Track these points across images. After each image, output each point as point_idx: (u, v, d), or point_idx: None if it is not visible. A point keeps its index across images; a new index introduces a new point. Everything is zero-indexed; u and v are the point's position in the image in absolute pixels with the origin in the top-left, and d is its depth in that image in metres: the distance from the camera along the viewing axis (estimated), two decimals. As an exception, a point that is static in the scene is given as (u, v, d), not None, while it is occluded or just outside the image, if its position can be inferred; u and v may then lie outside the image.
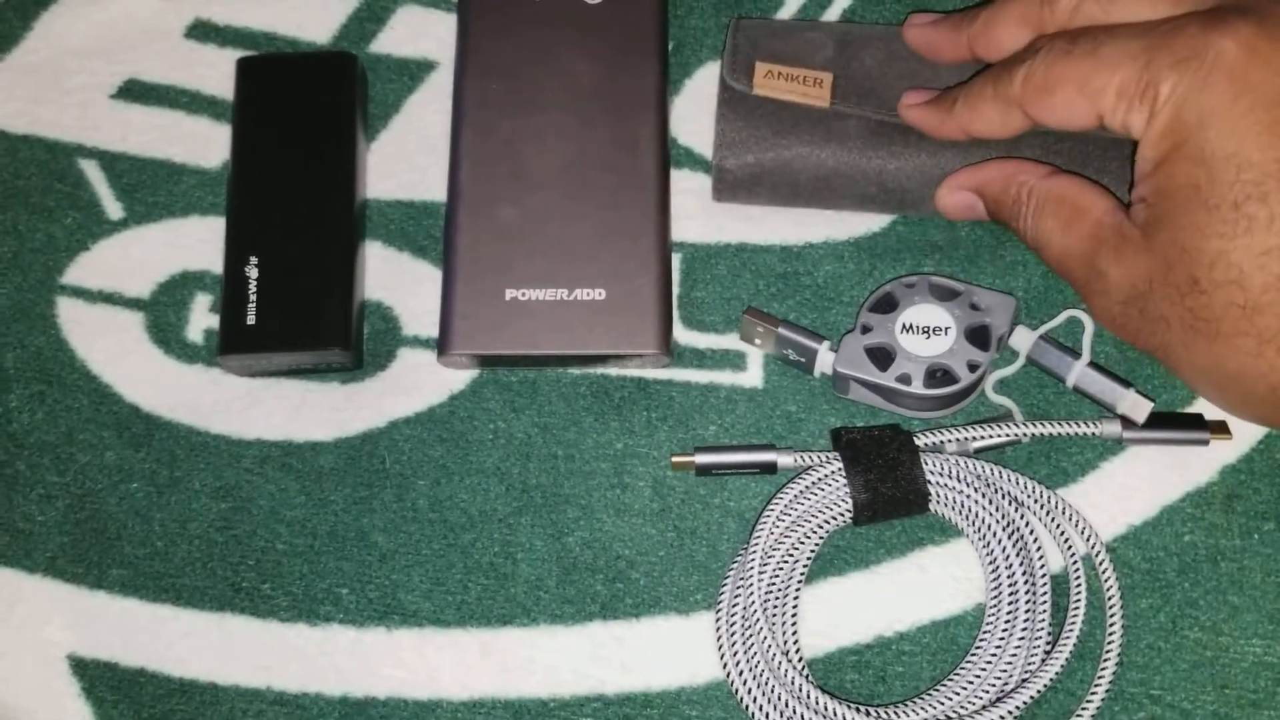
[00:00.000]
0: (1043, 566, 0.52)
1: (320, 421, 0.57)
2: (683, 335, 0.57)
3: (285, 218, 0.57)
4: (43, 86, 0.62)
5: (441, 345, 0.56)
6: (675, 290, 0.58)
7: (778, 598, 0.52)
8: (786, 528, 0.53)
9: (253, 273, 0.56)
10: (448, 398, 0.57)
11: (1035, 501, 0.53)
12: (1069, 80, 0.49)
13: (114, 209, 0.60)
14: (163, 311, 0.59)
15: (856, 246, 0.58)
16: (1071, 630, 0.51)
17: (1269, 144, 0.45)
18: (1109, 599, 0.52)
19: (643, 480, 0.56)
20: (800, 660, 0.52)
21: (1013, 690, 0.50)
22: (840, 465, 0.53)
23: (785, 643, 0.52)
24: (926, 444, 0.53)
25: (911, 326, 0.54)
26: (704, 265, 0.58)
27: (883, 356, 0.54)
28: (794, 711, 0.50)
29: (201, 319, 0.59)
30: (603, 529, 0.55)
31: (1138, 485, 0.54)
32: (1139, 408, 0.53)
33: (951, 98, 0.54)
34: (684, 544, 0.55)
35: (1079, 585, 0.52)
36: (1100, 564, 0.52)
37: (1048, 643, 0.51)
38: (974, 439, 0.54)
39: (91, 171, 0.61)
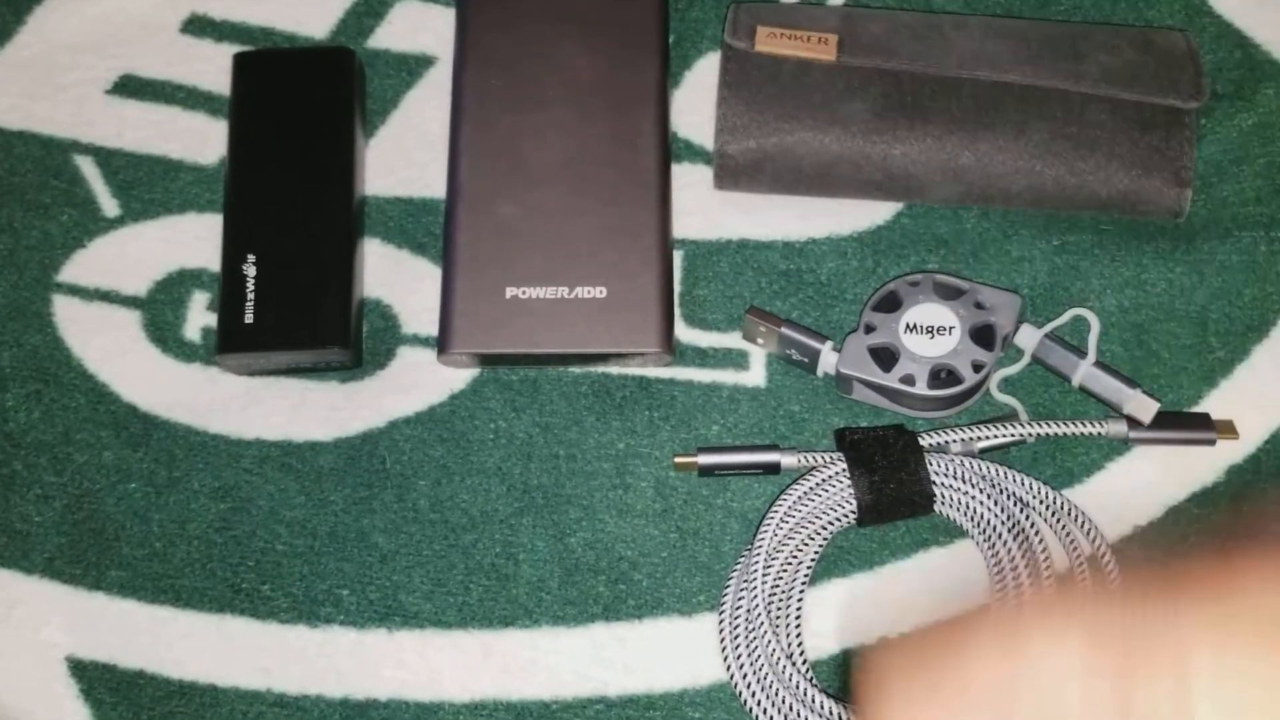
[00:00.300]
0: (1048, 567, 0.52)
1: (319, 421, 0.56)
2: (685, 333, 0.57)
3: (283, 215, 0.57)
4: (37, 82, 0.62)
5: (441, 344, 0.55)
6: (677, 288, 0.57)
7: (781, 599, 0.52)
8: (790, 529, 0.52)
9: (250, 271, 0.56)
10: (448, 397, 0.57)
11: (1040, 502, 0.53)
12: None
13: (110, 206, 0.60)
14: (160, 310, 0.58)
15: (860, 242, 0.58)
16: (1077, 632, 0.50)
17: None
18: (1115, 600, 0.51)
19: (645, 480, 0.55)
20: (805, 663, 0.52)
21: (1018, 692, 0.50)
22: (844, 466, 0.52)
23: (789, 645, 0.52)
24: (931, 444, 0.53)
25: (915, 326, 0.54)
26: (706, 262, 0.58)
27: (886, 357, 0.54)
28: (798, 715, 0.50)
29: (199, 317, 0.58)
30: (605, 530, 0.55)
31: (1143, 486, 0.54)
32: (1145, 407, 0.53)
33: None
34: (687, 545, 0.54)
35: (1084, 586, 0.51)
36: (1106, 564, 0.52)
37: (1053, 644, 0.51)
38: (979, 439, 0.53)
39: (87, 168, 0.60)
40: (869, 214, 0.58)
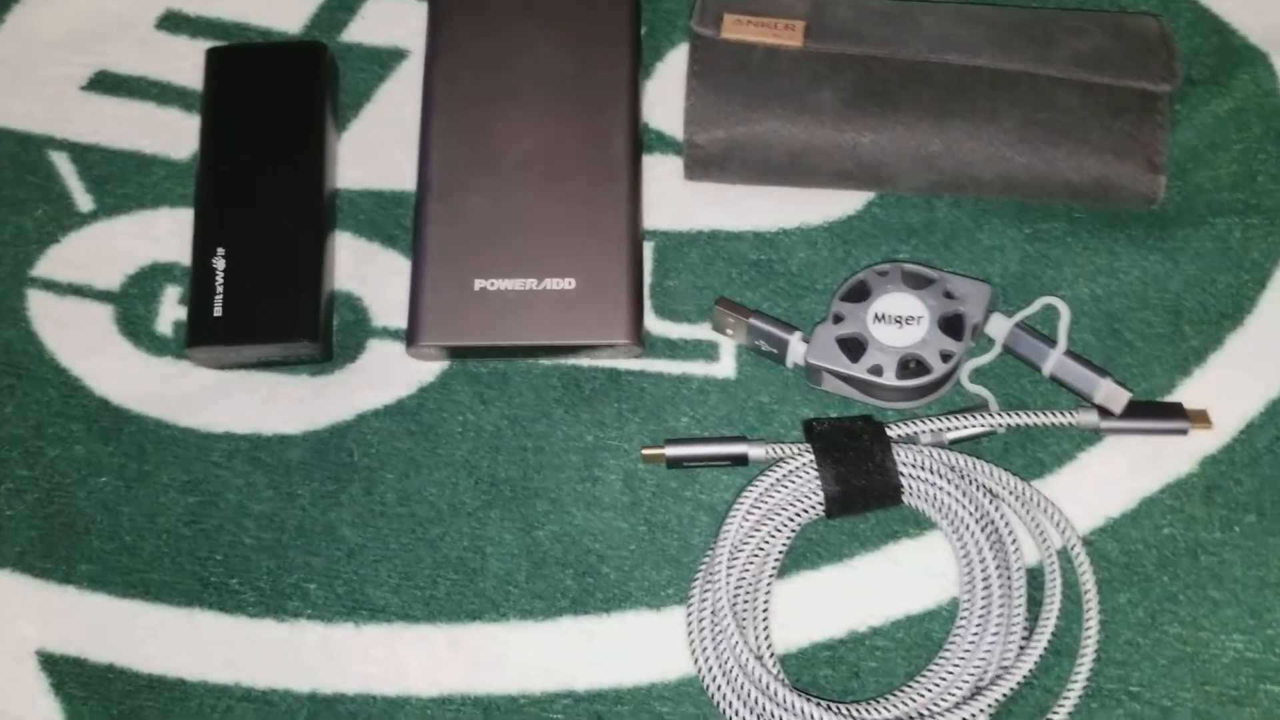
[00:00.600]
0: (1018, 560, 0.51)
1: (288, 414, 0.56)
2: (655, 325, 0.57)
3: (254, 209, 0.57)
4: (13, 78, 0.62)
5: (410, 336, 0.55)
6: (647, 279, 0.57)
7: (747, 594, 0.52)
8: (756, 521, 0.52)
9: (220, 264, 0.56)
10: (417, 389, 0.56)
11: (1010, 494, 0.52)
12: None
13: (84, 201, 0.60)
14: (132, 304, 0.58)
15: (830, 232, 0.57)
16: (1046, 625, 0.50)
17: None
18: (1085, 593, 0.51)
19: (614, 473, 0.55)
20: (772, 657, 0.51)
21: (987, 686, 0.49)
22: (812, 457, 0.52)
23: (755, 640, 0.51)
24: (900, 435, 0.52)
25: (884, 316, 0.53)
26: (676, 253, 0.57)
27: (855, 347, 0.53)
28: (765, 710, 0.49)
29: (171, 311, 0.58)
30: (573, 522, 0.54)
31: (1115, 476, 0.53)
32: (1116, 397, 0.52)
33: None
34: (655, 538, 0.54)
35: (1054, 579, 0.51)
36: (1076, 557, 0.51)
37: (1023, 638, 0.50)
38: (948, 430, 0.53)
39: (62, 163, 0.61)
40: (840, 204, 0.58)
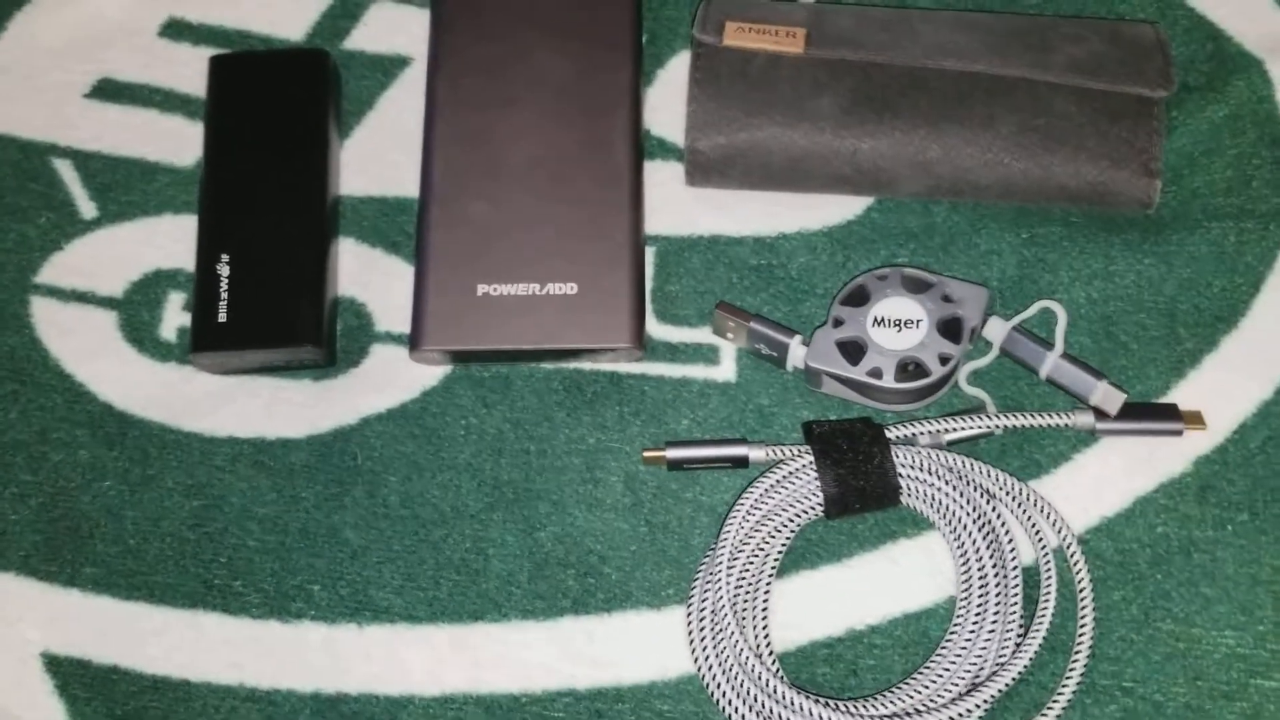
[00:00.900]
0: (1014, 559, 0.51)
1: (292, 419, 0.57)
2: (656, 329, 0.57)
3: (257, 215, 0.57)
4: (16, 85, 0.62)
5: (413, 341, 0.55)
6: (648, 284, 0.58)
7: (747, 594, 0.52)
8: (756, 522, 0.52)
9: (224, 270, 0.56)
10: (420, 394, 0.57)
11: (1007, 494, 0.52)
12: None
13: (88, 208, 0.60)
14: (136, 310, 0.59)
15: (830, 237, 0.58)
16: (1042, 622, 0.50)
17: None
18: (1080, 591, 0.51)
19: (615, 475, 0.55)
20: (771, 655, 0.52)
21: (984, 682, 0.50)
22: (811, 459, 0.52)
23: (755, 639, 0.52)
24: (898, 436, 0.53)
25: (883, 319, 0.54)
26: (677, 258, 0.58)
27: (854, 350, 0.54)
28: (765, 707, 0.50)
29: (175, 317, 0.59)
30: (574, 524, 0.55)
31: (1110, 476, 0.54)
32: (1112, 399, 0.53)
33: None
34: (656, 539, 0.54)
35: (1050, 577, 0.51)
36: (1072, 556, 0.52)
37: (1019, 635, 0.51)
38: (946, 431, 0.53)
39: (65, 171, 0.61)
40: (839, 209, 0.58)
